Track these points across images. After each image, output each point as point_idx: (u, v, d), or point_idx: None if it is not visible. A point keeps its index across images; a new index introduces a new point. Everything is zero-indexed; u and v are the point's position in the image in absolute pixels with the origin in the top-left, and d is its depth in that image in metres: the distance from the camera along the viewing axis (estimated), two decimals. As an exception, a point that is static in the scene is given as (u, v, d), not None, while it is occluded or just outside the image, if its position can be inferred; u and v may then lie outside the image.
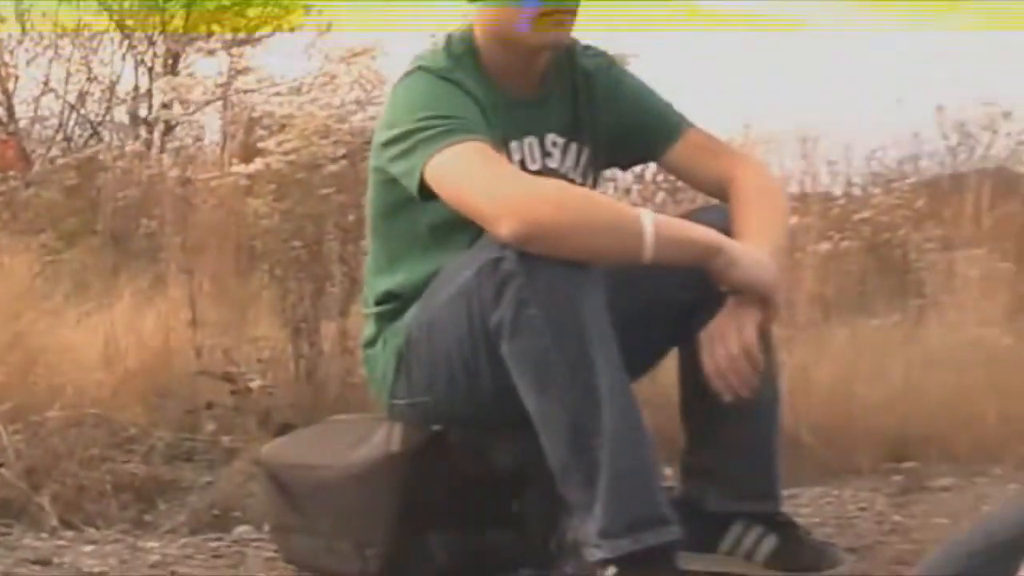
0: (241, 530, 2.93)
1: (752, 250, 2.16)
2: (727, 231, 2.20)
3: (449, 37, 2.35)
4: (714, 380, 2.16)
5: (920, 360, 4.19)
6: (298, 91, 4.37)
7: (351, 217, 3.60)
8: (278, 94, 4.50)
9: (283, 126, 3.74)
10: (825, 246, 4.81)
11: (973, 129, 7.93)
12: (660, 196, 4.90)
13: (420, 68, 2.28)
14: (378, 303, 2.39)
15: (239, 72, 6.21)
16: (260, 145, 3.75)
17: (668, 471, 2.56)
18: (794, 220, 4.54)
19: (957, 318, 4.63)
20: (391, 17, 7.85)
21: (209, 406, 3.46)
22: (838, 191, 6.53)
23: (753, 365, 2.15)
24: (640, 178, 5.06)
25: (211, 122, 7.29)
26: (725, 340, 2.15)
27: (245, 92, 5.67)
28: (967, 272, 4.88)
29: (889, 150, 7.83)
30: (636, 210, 2.13)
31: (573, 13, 2.27)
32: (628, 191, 5.08)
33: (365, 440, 2.35)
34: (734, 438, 2.33)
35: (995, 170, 6.34)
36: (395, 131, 2.23)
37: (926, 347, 4.37)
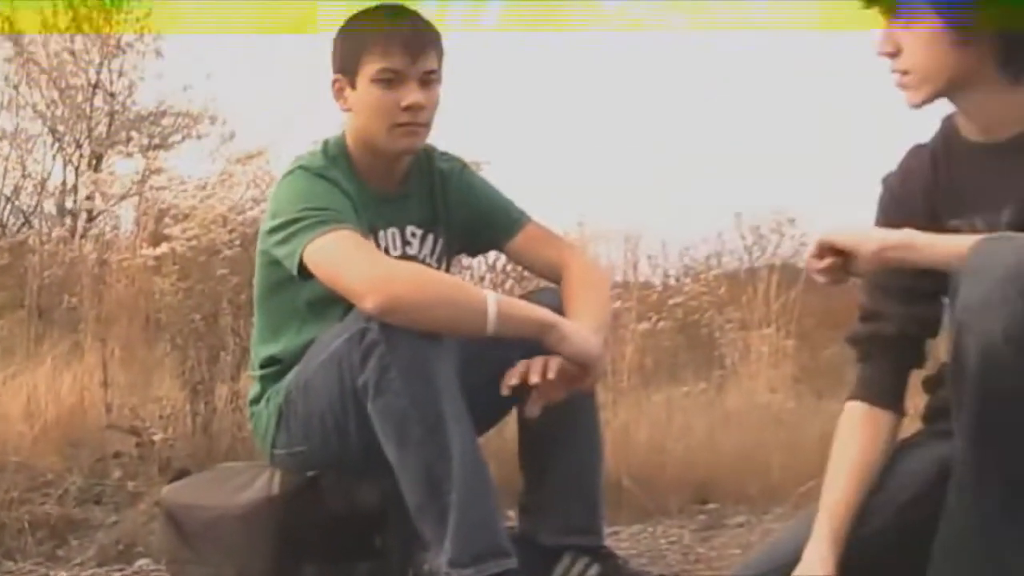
0: (142, 563, 2.86)
1: (580, 327, 2.16)
2: (559, 310, 2.21)
3: (326, 141, 2.34)
4: (507, 376, 2.11)
5: (721, 420, 4.26)
6: (203, 188, 4.31)
7: (243, 295, 3.56)
8: (185, 191, 4.43)
9: (187, 216, 3.70)
10: (644, 325, 4.86)
11: (765, 232, 8.16)
12: (509, 283, 4.89)
13: (300, 167, 2.27)
14: (262, 367, 2.36)
15: (153, 172, 6.12)
16: (166, 232, 3.70)
17: (511, 513, 2.55)
18: (618, 304, 4.59)
19: (751, 386, 4.72)
20: (285, 124, 7.79)
21: (117, 455, 3.39)
22: (656, 280, 6.64)
23: (540, 375, 2.09)
24: (492, 268, 5.06)
25: (127, 213, 7.19)
26: (531, 359, 2.11)
27: (157, 189, 5.57)
28: (759, 348, 4.97)
29: (699, 247, 8.01)
30: (482, 291, 2.14)
31: (425, 125, 2.28)
32: (482, 278, 5.06)
33: (249, 484, 2.31)
34: (564, 482, 2.31)
35: (782, 265, 6.51)
36: (278, 220, 2.21)
37: (726, 409, 4.44)
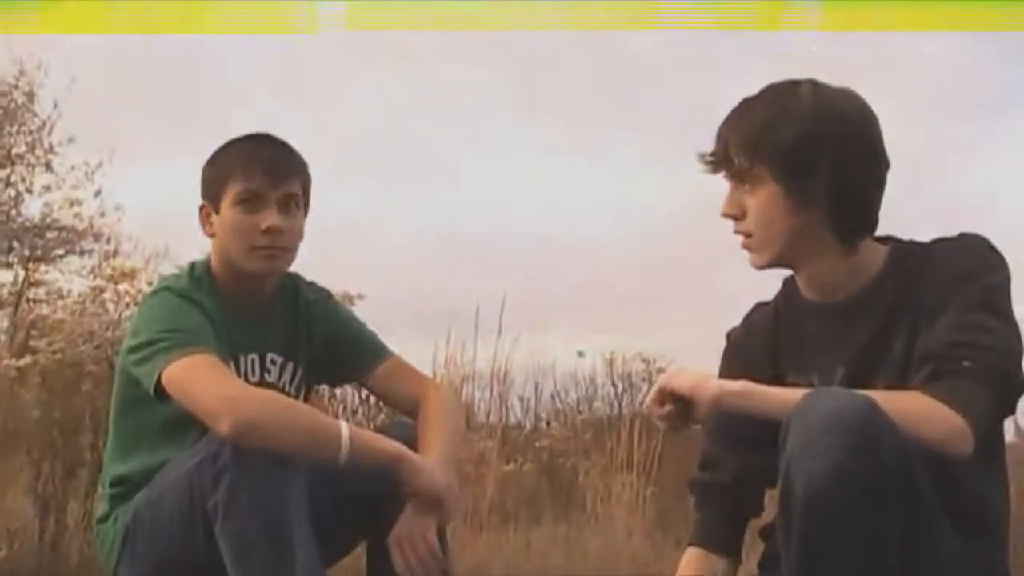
0: None
1: (431, 462, 2.17)
2: (413, 443, 2.21)
3: (193, 264, 2.34)
4: None
5: (579, 561, 4.25)
6: (81, 303, 4.25)
7: (105, 413, 3.50)
8: (64, 305, 4.36)
9: (55, 329, 3.64)
10: (509, 467, 4.86)
11: (635, 379, 8.23)
12: (382, 416, 4.87)
13: (165, 287, 2.27)
14: (112, 485, 2.31)
15: (31, 284, 6.02)
16: (33, 344, 3.63)
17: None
18: (483, 444, 4.60)
19: (610, 528, 4.72)
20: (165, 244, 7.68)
21: (-43, 571, 3.25)
22: (526, 422, 6.64)
23: (437, 563, 2.14)
24: (365, 400, 5.05)
25: (2, 324, 7.01)
26: (413, 545, 2.14)
27: (35, 301, 5.48)
28: (621, 493, 5.00)
29: (570, 391, 8.04)
30: (336, 421, 2.14)
31: (285, 249, 2.29)
32: (355, 411, 5.05)
33: (90, 603, 2.25)
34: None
35: (648, 413, 6.56)
36: (139, 339, 2.19)
37: (584, 551, 4.43)
